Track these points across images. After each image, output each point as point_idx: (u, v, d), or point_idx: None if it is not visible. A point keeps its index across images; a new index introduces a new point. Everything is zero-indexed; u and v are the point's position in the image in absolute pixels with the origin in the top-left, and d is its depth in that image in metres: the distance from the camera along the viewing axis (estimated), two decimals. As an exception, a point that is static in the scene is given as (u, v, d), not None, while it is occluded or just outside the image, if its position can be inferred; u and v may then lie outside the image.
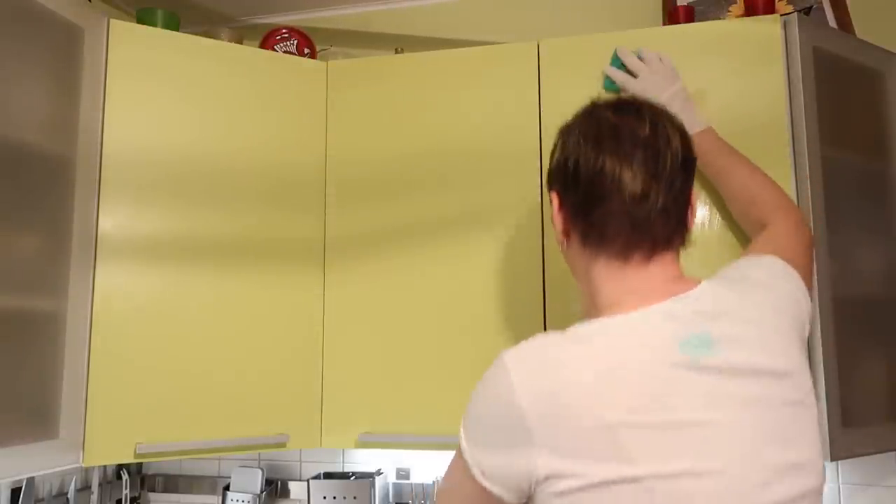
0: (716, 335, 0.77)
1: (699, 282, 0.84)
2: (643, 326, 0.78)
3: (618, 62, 1.35)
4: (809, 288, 0.94)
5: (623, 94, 0.96)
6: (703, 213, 1.31)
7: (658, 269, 0.84)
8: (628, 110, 0.87)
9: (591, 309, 0.88)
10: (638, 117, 0.86)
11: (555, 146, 0.93)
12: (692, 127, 1.21)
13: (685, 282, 0.85)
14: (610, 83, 1.35)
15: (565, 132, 0.92)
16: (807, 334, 0.88)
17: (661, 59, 1.31)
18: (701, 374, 0.75)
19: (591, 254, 0.87)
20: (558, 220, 0.91)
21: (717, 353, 0.76)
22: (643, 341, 0.77)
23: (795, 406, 0.78)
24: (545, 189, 1.39)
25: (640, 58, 1.32)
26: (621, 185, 0.83)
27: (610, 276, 0.85)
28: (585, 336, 0.79)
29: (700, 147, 1.19)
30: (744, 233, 1.26)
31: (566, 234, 0.91)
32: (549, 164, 0.95)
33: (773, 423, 0.76)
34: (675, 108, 1.22)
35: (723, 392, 0.75)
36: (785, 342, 0.81)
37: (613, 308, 0.83)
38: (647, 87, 1.28)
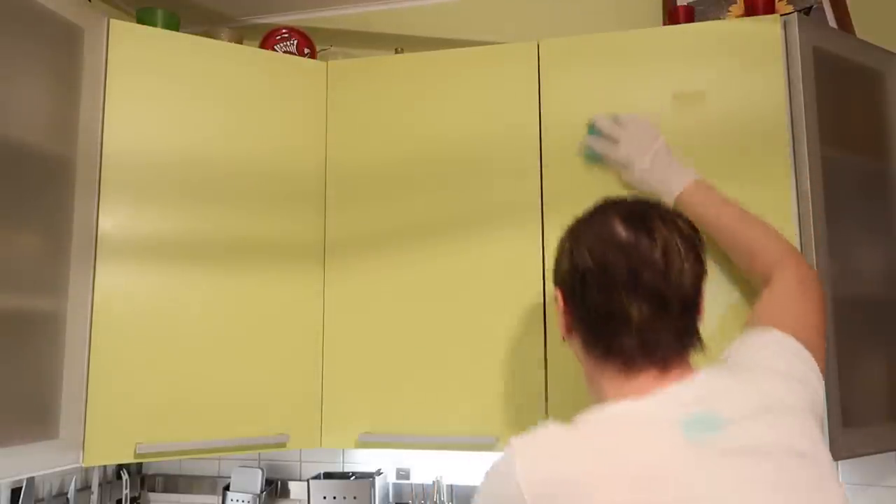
0: (725, 415, 0.76)
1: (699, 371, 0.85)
2: (647, 410, 0.79)
3: (595, 131, 1.34)
4: (823, 357, 0.93)
5: (631, 194, 0.94)
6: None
7: (671, 378, 0.83)
8: (640, 226, 0.84)
9: (596, 394, 0.88)
10: (649, 238, 0.83)
11: (562, 247, 0.93)
12: (681, 180, 1.22)
13: (694, 372, 0.85)
14: (591, 152, 1.34)
15: (574, 237, 0.90)
16: (821, 413, 0.87)
17: (637, 121, 1.30)
18: (712, 455, 0.73)
19: (597, 362, 0.87)
20: (562, 319, 0.91)
21: (727, 433, 0.75)
22: (647, 423, 0.77)
23: (821, 487, 0.76)
24: (545, 191, 1.40)
25: (616, 123, 1.32)
26: (629, 315, 0.82)
27: (619, 384, 0.84)
28: (590, 422, 0.79)
29: (692, 199, 1.20)
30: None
31: (569, 331, 0.91)
32: (556, 263, 0.94)
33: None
34: (660, 164, 1.25)
35: (736, 473, 0.73)
36: (800, 421, 0.80)
37: (619, 398, 0.82)
38: (629, 151, 1.28)
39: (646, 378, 0.82)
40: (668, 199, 1.23)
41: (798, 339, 0.91)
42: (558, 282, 0.92)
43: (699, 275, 0.85)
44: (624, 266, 0.82)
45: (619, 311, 0.82)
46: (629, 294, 0.81)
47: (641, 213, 0.86)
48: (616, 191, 1.36)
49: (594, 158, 1.34)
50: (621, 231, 0.84)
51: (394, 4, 1.91)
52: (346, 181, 1.51)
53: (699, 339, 0.85)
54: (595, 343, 0.86)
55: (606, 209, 0.89)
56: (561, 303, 0.91)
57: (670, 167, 1.25)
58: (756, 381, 0.82)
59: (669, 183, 1.24)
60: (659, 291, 0.81)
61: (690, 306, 0.84)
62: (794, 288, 1.03)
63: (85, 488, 1.71)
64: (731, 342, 0.96)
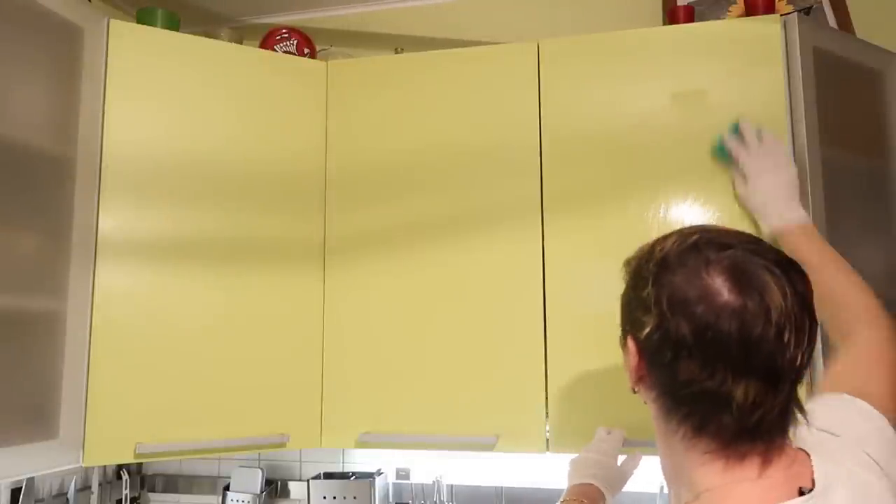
0: None
1: (806, 456, 0.73)
2: (763, 497, 0.69)
3: (737, 132, 1.29)
4: None
5: (728, 244, 0.73)
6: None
7: (776, 469, 0.70)
8: (748, 286, 0.68)
9: (678, 480, 0.77)
10: (761, 304, 0.67)
11: (646, 300, 0.73)
12: (791, 216, 1.18)
13: (799, 462, 0.72)
14: (721, 147, 1.30)
15: (661, 289, 0.72)
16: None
17: (778, 144, 1.26)
18: None
19: (679, 440, 0.74)
20: (633, 370, 0.77)
21: None
22: None
23: None
24: (545, 191, 1.40)
25: (758, 134, 1.27)
26: (732, 397, 0.68)
27: (709, 468, 0.72)
28: None
29: (796, 242, 1.14)
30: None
31: (641, 385, 0.78)
32: (628, 308, 0.78)
33: None
34: (778, 193, 1.20)
35: None
36: None
37: (715, 494, 0.71)
38: (756, 165, 1.23)
39: (750, 463, 0.70)
40: (766, 228, 1.20)
41: (885, 411, 0.82)
42: (632, 332, 0.76)
43: (813, 339, 0.70)
44: (732, 341, 0.67)
45: (721, 392, 0.68)
46: (736, 374, 0.67)
47: (746, 266, 0.69)
48: (617, 190, 1.36)
49: (722, 155, 1.30)
50: (726, 295, 0.68)
51: (394, 4, 1.91)
52: (346, 181, 1.51)
53: (801, 409, 0.72)
54: (681, 417, 0.73)
55: (701, 254, 0.71)
56: (635, 356, 0.76)
57: (786, 201, 1.19)
58: (854, 475, 0.72)
59: (776, 214, 1.19)
60: (771, 370, 0.68)
61: (799, 378, 0.70)
62: (877, 346, 0.94)
63: (85, 488, 1.71)
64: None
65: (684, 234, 0.75)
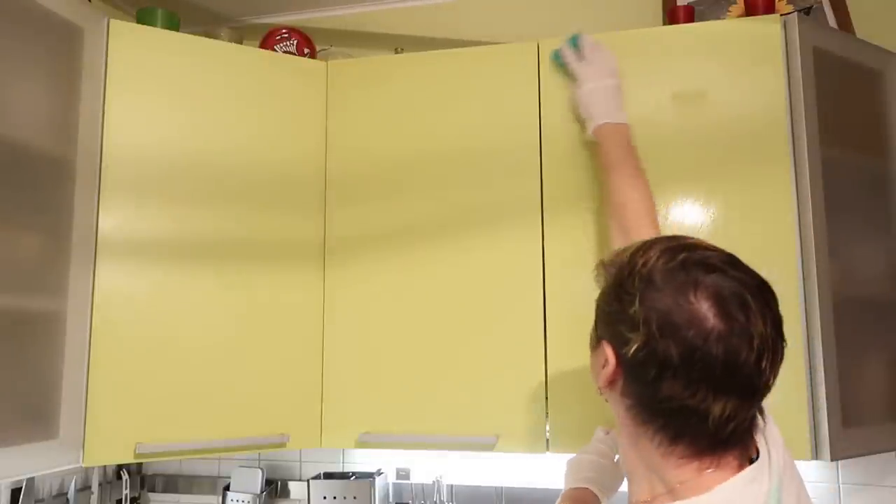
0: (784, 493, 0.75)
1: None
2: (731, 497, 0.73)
3: (575, 44, 1.37)
4: None
5: (711, 260, 0.75)
6: (702, 218, 1.32)
7: (752, 465, 0.76)
8: (734, 313, 0.71)
9: (647, 472, 0.79)
10: (745, 333, 0.70)
11: (631, 317, 0.74)
12: (614, 116, 1.29)
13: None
14: (558, 57, 1.39)
15: (651, 314, 0.73)
16: None
17: (606, 53, 1.35)
18: None
19: (654, 448, 0.76)
20: (606, 374, 0.78)
21: None
22: None
23: None
24: (545, 191, 1.40)
25: (593, 45, 1.37)
26: (710, 412, 0.71)
27: (685, 469, 0.75)
28: None
29: (608, 141, 1.26)
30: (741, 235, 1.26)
31: (611, 386, 0.79)
32: (608, 317, 0.79)
33: None
34: (603, 96, 1.31)
35: None
36: None
37: (688, 485, 0.75)
38: (588, 72, 1.33)
39: (727, 466, 0.75)
40: (589, 127, 1.31)
41: None
42: (612, 343, 0.77)
43: (782, 359, 0.74)
44: (718, 364, 0.70)
45: (700, 409, 0.71)
46: (717, 394, 0.71)
47: (731, 291, 0.72)
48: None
49: (559, 64, 1.40)
50: (713, 320, 0.70)
51: (394, 4, 1.91)
52: (346, 181, 1.51)
53: (762, 412, 0.78)
54: (656, 427, 0.75)
55: (689, 275, 0.73)
56: (612, 360, 0.77)
57: (608, 103, 1.30)
58: (772, 433, 0.80)
59: (599, 114, 1.29)
60: (748, 389, 0.72)
61: (769, 388, 0.74)
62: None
63: (85, 488, 1.71)
64: None
65: (669, 249, 0.76)
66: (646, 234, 0.98)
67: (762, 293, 0.73)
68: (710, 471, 0.74)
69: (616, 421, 0.83)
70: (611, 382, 0.79)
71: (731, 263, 0.75)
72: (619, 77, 1.33)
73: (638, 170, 1.24)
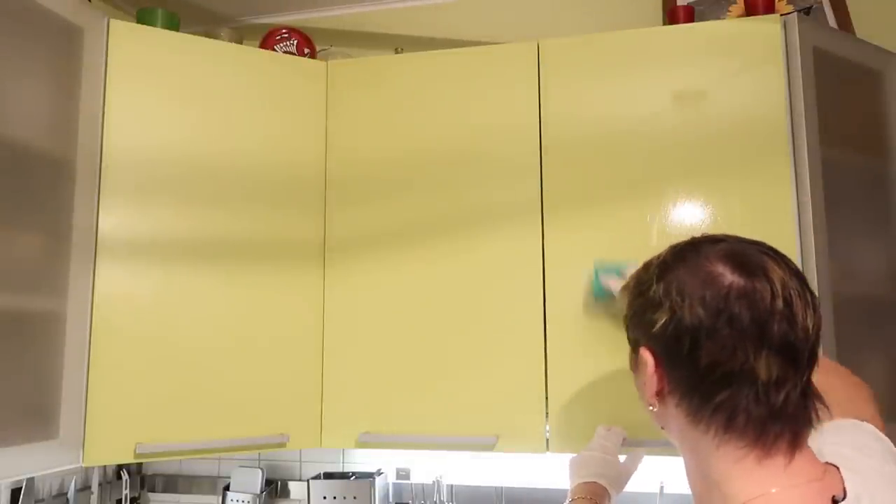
0: None
1: (835, 469, 0.73)
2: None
3: (611, 270, 1.26)
4: None
5: (722, 238, 0.78)
6: (705, 217, 1.32)
7: (804, 463, 0.71)
8: (750, 268, 0.71)
9: (709, 491, 0.74)
10: (767, 282, 0.70)
11: (654, 298, 0.75)
12: None
13: (830, 474, 0.72)
14: (600, 290, 1.27)
15: (669, 286, 0.74)
16: None
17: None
18: None
19: (710, 440, 0.72)
20: (652, 381, 0.76)
21: None
22: None
23: None
24: (545, 191, 1.40)
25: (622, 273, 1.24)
26: (756, 374, 0.69)
27: (741, 471, 0.71)
28: None
29: None
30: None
31: (660, 396, 0.76)
32: (640, 317, 0.78)
33: None
34: None
35: None
36: None
37: (756, 491, 0.70)
38: None
39: (777, 451, 0.70)
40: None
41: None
42: (646, 339, 0.76)
43: (817, 310, 0.72)
44: (746, 318, 0.69)
45: (745, 371, 0.69)
46: (755, 349, 0.69)
47: (745, 252, 0.73)
48: (617, 190, 1.36)
49: (602, 297, 1.28)
50: (730, 276, 0.71)
51: (394, 4, 1.91)
52: (346, 181, 1.51)
53: (819, 397, 0.73)
54: (711, 415, 0.71)
55: (699, 250, 0.75)
56: (651, 361, 0.75)
57: None
58: (878, 488, 0.73)
59: None
60: (786, 342, 0.69)
61: (815, 356, 0.72)
62: (854, 387, 0.97)
63: (85, 488, 1.71)
64: None
65: (675, 244, 0.79)
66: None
67: (777, 252, 0.74)
68: (769, 466, 0.70)
69: (674, 439, 0.78)
70: (658, 390, 0.76)
71: (738, 239, 0.77)
72: None
73: None
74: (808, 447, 0.73)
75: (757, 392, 0.69)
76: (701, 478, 0.75)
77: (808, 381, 0.72)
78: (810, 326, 0.70)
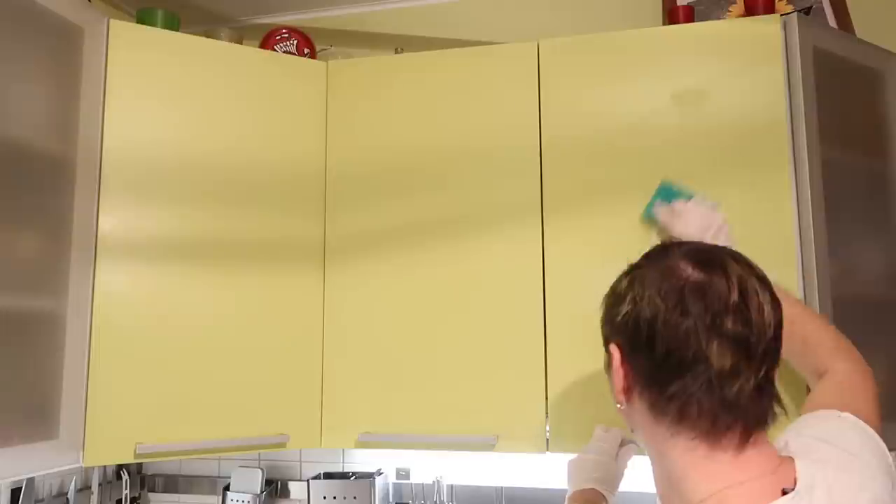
0: None
1: (791, 461, 0.74)
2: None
3: (666, 196, 1.27)
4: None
5: (692, 242, 0.83)
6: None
7: (755, 455, 0.72)
8: (712, 265, 0.74)
9: (670, 492, 0.77)
10: (725, 278, 0.73)
11: (617, 296, 0.80)
12: None
13: (784, 466, 0.74)
14: (650, 211, 1.29)
15: (634, 282, 0.78)
16: None
17: (705, 207, 1.21)
18: None
19: (666, 431, 0.75)
20: (619, 376, 0.78)
21: None
22: None
23: None
24: (545, 191, 1.40)
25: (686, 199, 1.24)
26: (708, 358, 0.71)
27: (695, 463, 0.73)
28: None
29: None
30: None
31: (627, 392, 0.79)
32: (606, 315, 0.82)
33: None
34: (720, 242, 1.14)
35: None
36: None
37: (702, 480, 0.73)
38: (690, 232, 1.19)
39: (729, 442, 0.72)
40: None
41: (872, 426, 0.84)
42: (613, 334, 0.80)
43: (779, 319, 0.74)
44: (701, 305, 0.72)
45: (696, 357, 0.71)
46: (708, 334, 0.71)
47: (708, 252, 0.77)
48: (617, 190, 1.36)
49: (650, 217, 1.29)
50: (691, 271, 0.74)
51: (394, 4, 1.91)
52: (346, 181, 1.51)
53: (778, 400, 0.74)
54: (665, 406, 0.74)
55: (668, 251, 0.78)
56: (617, 356, 0.78)
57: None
58: (855, 478, 0.74)
59: None
60: (742, 336, 0.71)
61: (772, 354, 0.73)
62: (859, 378, 0.97)
63: (85, 488, 1.71)
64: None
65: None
66: (844, 357, 1.01)
67: (743, 257, 0.77)
68: (718, 454, 0.72)
69: (641, 439, 0.81)
70: (626, 387, 0.79)
71: (711, 245, 0.82)
72: (715, 227, 1.19)
73: (797, 300, 1.16)
74: (766, 441, 0.74)
75: (710, 381, 0.71)
76: (664, 479, 0.78)
77: (767, 378, 0.73)
78: (766, 323, 0.72)
